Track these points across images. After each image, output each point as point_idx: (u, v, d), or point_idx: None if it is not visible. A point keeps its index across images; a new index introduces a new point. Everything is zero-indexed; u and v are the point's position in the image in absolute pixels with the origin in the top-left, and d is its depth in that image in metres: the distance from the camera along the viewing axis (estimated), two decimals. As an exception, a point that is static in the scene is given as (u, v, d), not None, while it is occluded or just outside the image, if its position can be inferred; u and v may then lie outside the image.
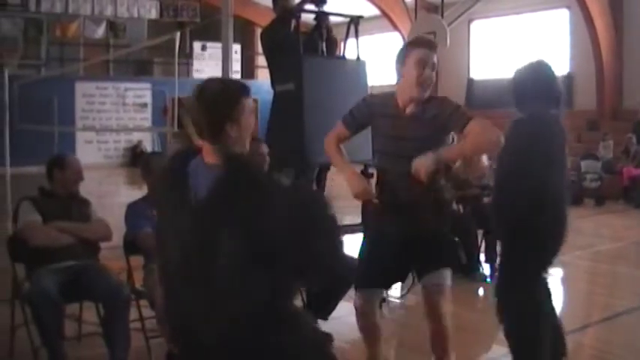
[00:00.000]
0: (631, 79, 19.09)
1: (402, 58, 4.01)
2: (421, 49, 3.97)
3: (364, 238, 4.36)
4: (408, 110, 4.00)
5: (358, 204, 6.44)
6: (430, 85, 4.01)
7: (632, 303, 6.87)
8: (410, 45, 4.06)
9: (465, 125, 3.89)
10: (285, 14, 6.60)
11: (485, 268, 7.86)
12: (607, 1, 18.95)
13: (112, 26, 24.77)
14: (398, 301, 6.92)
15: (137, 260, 5.15)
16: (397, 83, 4.04)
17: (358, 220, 6.51)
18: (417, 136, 3.96)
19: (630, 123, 17.41)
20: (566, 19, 20.64)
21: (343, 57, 6.68)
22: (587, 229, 12.09)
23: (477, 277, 7.59)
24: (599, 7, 18.73)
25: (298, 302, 5.58)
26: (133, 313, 4.89)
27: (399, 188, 4.04)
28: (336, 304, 5.45)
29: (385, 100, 4.12)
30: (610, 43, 19.06)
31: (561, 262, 8.77)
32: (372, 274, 4.16)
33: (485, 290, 7.50)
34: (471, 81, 23.45)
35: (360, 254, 4.26)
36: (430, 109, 3.99)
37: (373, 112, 4.16)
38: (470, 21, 22.28)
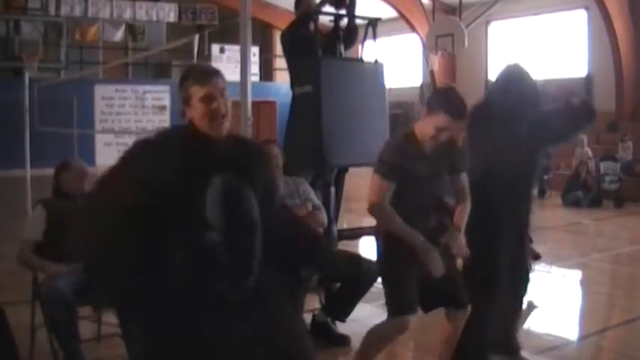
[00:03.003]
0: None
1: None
2: (444, 115, 4.00)
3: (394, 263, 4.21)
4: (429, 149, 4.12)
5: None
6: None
7: (651, 306, 6.84)
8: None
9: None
10: (305, 16, 6.61)
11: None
12: (626, 1, 18.83)
13: (131, 29, 24.90)
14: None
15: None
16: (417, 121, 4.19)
17: (374, 222, 6.50)
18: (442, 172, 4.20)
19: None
20: (585, 20, 20.53)
21: (361, 59, 6.68)
22: (607, 232, 12.04)
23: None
24: (618, 7, 18.62)
25: (316, 304, 5.61)
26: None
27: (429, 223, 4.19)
28: (354, 307, 5.45)
29: (410, 141, 4.14)
30: (629, 44, 18.95)
31: (580, 265, 8.75)
32: (415, 299, 4.14)
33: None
34: (489, 82, 23.33)
35: (397, 280, 4.15)
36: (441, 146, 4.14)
37: (406, 155, 4.10)
38: (488, 22, 22.22)
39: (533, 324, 6.69)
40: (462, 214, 4.24)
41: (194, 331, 2.60)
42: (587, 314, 7.07)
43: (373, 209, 4.11)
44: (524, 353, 5.24)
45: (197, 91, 2.94)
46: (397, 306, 4.10)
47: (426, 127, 4.01)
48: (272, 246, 2.83)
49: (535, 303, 6.92)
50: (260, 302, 2.73)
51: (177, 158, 2.70)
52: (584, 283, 8.30)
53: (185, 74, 3.09)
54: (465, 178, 4.29)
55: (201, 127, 2.88)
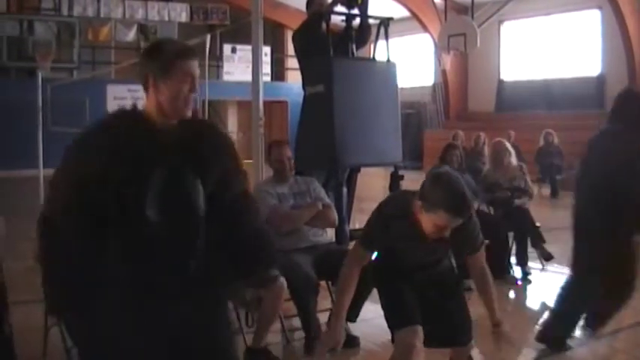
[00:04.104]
0: (664, 80, 18.89)
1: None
2: (444, 214, 3.56)
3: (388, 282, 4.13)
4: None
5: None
6: None
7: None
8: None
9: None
10: (317, 16, 6.61)
11: (516, 271, 7.79)
12: (639, 1, 18.76)
13: (143, 29, 24.98)
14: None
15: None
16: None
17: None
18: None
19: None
20: (598, 20, 20.46)
21: (373, 59, 6.67)
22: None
23: (507, 280, 7.55)
24: (631, 7, 18.54)
25: (327, 304, 5.60)
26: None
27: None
28: (362, 306, 5.45)
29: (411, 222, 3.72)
30: (643, 44, 18.88)
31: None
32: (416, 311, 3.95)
33: (515, 293, 7.45)
34: (501, 82, 23.32)
35: (394, 295, 4.04)
36: None
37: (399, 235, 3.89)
38: (500, 22, 22.17)
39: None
40: (492, 302, 4.01)
41: (126, 314, 2.60)
42: (599, 315, 7.04)
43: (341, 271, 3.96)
44: (535, 353, 5.23)
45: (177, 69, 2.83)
46: (398, 318, 3.95)
47: (425, 223, 3.57)
48: (217, 237, 2.77)
49: (548, 303, 6.90)
50: (193, 290, 2.69)
51: (118, 146, 2.65)
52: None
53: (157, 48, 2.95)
54: (481, 256, 3.99)
55: (165, 110, 2.83)
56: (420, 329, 3.83)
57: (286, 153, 5.64)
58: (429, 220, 3.53)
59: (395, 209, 3.76)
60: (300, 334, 5.35)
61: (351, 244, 6.10)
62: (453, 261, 4.16)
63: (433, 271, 4.00)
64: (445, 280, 4.10)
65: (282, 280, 4.86)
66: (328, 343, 3.89)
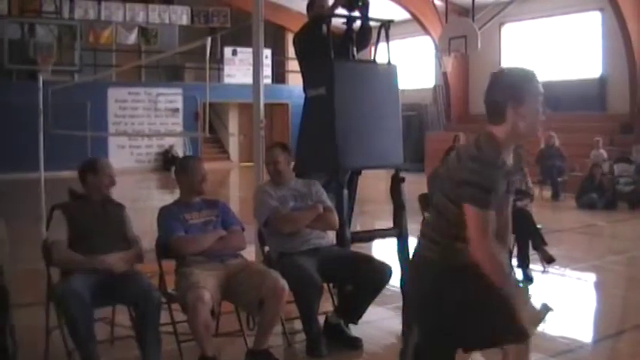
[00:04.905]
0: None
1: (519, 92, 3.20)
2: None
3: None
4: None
5: (389, 208, 6.46)
6: None
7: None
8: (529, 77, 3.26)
9: None
10: (317, 18, 6.61)
11: (518, 273, 7.78)
12: (640, 3, 18.77)
13: (144, 32, 25.01)
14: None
15: (169, 264, 5.18)
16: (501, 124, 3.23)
17: (389, 224, 6.50)
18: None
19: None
20: (599, 22, 20.44)
21: (374, 61, 6.66)
22: (622, 234, 11.97)
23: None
24: (633, 9, 18.54)
25: (329, 306, 5.60)
26: (165, 317, 4.92)
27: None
28: (365, 309, 5.44)
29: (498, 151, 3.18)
30: (644, 46, 18.87)
31: (595, 267, 8.71)
32: None
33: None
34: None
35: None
36: None
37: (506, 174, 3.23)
38: (501, 24, 22.16)
39: (548, 327, 6.65)
40: None
41: None
42: (602, 317, 7.02)
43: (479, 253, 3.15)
44: (540, 356, 5.22)
45: None
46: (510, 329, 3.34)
47: (527, 128, 3.21)
48: None
49: (550, 305, 6.89)
50: None
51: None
52: (599, 285, 8.25)
53: None
54: None
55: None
56: None
57: (278, 156, 5.65)
58: (529, 116, 3.18)
59: (494, 145, 3.18)
60: (301, 337, 5.35)
61: (353, 247, 6.12)
62: None
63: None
64: None
65: (285, 282, 4.86)
66: (536, 321, 3.44)
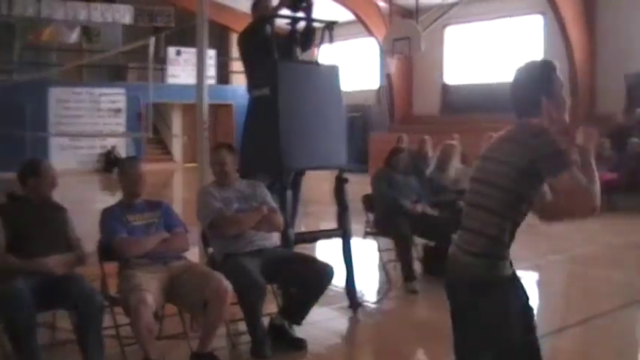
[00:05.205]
0: (604, 85, 19.23)
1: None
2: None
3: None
4: None
5: (333, 209, 6.47)
6: None
7: (607, 305, 6.92)
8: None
9: None
10: (262, 19, 6.59)
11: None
12: (581, 8, 19.08)
13: (86, 31, 24.66)
14: (374, 306, 6.92)
15: (111, 267, 5.11)
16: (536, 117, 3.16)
17: (333, 225, 6.52)
18: None
19: (604, 128, 17.52)
20: (541, 25, 20.76)
21: (317, 62, 6.67)
22: (562, 233, 12.14)
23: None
24: (573, 13, 18.86)
25: (272, 308, 5.58)
26: (108, 320, 4.85)
27: None
28: (309, 309, 5.44)
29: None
30: (584, 49, 19.19)
31: (537, 266, 8.84)
32: None
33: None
34: (445, 86, 23.53)
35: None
36: None
37: None
38: (444, 26, 22.35)
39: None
40: None
41: None
42: (544, 315, 7.11)
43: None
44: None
45: None
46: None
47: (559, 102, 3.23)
48: None
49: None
50: None
51: None
52: (541, 283, 8.38)
53: None
54: None
55: None
56: None
57: (225, 157, 5.61)
58: (561, 106, 3.23)
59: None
60: (245, 338, 5.32)
61: (297, 248, 6.12)
62: None
63: None
64: None
65: (228, 284, 4.82)
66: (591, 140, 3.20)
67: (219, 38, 26.43)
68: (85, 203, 13.30)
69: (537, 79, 3.17)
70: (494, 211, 3.04)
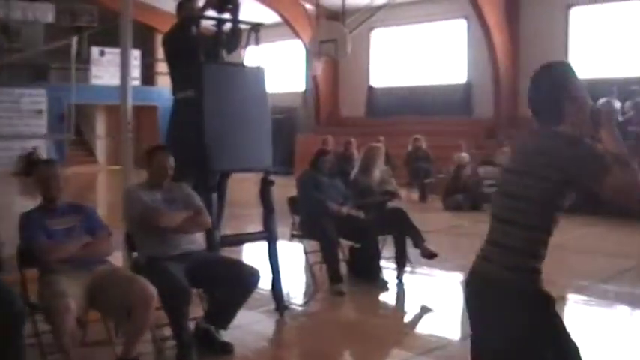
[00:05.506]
0: (527, 87, 19.59)
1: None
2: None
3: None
4: None
5: (259, 212, 6.45)
6: None
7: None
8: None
9: None
10: (187, 19, 6.53)
11: (391, 274, 7.88)
12: (504, 12, 19.45)
13: (6, 30, 24.07)
14: (300, 308, 6.92)
15: (32, 273, 4.99)
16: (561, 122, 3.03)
17: (259, 227, 6.50)
18: None
19: (526, 130, 17.87)
20: (465, 29, 21.10)
21: (243, 64, 6.64)
22: (486, 234, 12.33)
23: (378, 283, 7.64)
24: (496, 17, 19.21)
25: (198, 312, 5.53)
26: (28, 328, 4.73)
27: None
28: (235, 313, 5.41)
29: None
30: (506, 53, 19.57)
31: (462, 267, 8.94)
32: None
33: (387, 296, 7.55)
34: (371, 89, 23.70)
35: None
36: None
37: None
38: (371, 29, 22.51)
39: (417, 325, 6.81)
40: None
41: None
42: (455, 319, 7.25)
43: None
44: (409, 354, 5.31)
45: None
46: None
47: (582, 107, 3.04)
48: None
49: (421, 304, 7.07)
50: None
51: None
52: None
53: None
54: None
55: None
56: None
57: (170, 160, 5.54)
58: (584, 108, 3.02)
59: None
60: (171, 343, 5.25)
61: (223, 251, 6.08)
62: None
63: None
64: None
65: (153, 288, 4.76)
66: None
67: (144, 39, 26.07)
68: (3, 208, 13.00)
69: (560, 82, 3.05)
70: (530, 226, 2.95)
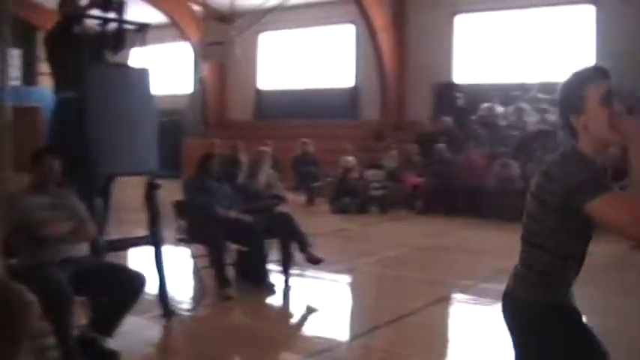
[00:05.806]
0: (413, 92, 20.00)
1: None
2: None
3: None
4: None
5: (145, 216, 6.32)
6: None
7: (417, 304, 7.16)
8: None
9: None
10: (69, 17, 6.34)
11: (279, 277, 7.86)
12: (391, 18, 19.76)
13: None
14: (188, 313, 6.83)
15: None
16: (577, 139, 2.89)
17: (145, 232, 6.38)
18: None
19: (412, 134, 18.22)
20: (352, 33, 21.32)
21: (127, 65, 6.50)
22: (373, 236, 12.50)
23: (266, 287, 7.60)
24: (383, 22, 19.48)
25: (83, 320, 5.37)
26: None
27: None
28: (121, 320, 5.27)
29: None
30: (393, 57, 19.88)
31: (349, 269, 9.03)
32: None
33: (275, 299, 7.53)
34: (259, 92, 23.67)
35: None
36: None
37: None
38: (259, 32, 22.48)
39: (304, 327, 6.82)
40: None
41: None
42: (356, 315, 7.31)
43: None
44: (296, 357, 5.30)
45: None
46: None
47: (602, 130, 2.82)
48: None
49: (310, 307, 7.09)
50: None
51: None
52: (354, 286, 8.57)
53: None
54: None
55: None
56: None
57: (56, 163, 5.34)
58: (604, 119, 2.78)
59: (582, 156, 2.83)
60: (55, 354, 5.08)
61: (109, 256, 5.93)
62: None
63: None
64: None
65: (33, 297, 4.58)
66: None
67: (25, 37, 25.26)
68: None
69: (566, 97, 2.89)
70: (544, 247, 2.90)
